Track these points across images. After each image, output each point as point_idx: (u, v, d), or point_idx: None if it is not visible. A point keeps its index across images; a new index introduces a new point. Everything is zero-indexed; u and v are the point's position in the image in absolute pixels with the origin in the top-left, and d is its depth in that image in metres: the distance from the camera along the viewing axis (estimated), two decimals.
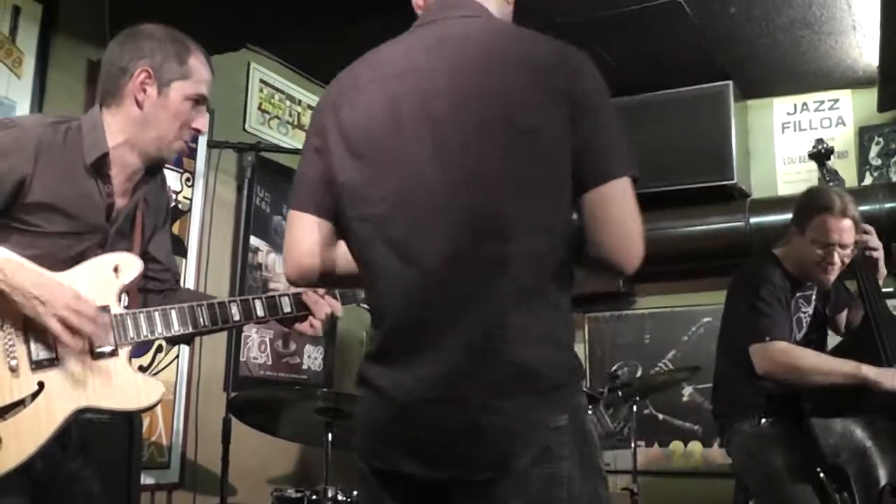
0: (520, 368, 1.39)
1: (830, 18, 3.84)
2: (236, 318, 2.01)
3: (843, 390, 2.79)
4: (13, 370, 1.76)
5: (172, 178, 3.61)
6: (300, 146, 1.83)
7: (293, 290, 2.02)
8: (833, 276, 2.96)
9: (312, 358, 4.38)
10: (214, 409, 3.15)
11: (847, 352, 2.95)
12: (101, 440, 2.39)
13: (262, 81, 4.25)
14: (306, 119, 4.39)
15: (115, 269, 1.90)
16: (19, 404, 1.76)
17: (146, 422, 3.37)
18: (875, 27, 3.78)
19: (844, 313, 3.27)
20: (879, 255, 3.06)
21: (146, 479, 3.35)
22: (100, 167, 1.90)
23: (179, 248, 3.60)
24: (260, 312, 2.03)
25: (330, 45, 3.12)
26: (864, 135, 4.54)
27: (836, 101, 4.63)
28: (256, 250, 4.09)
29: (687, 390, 4.59)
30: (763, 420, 2.93)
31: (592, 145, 1.43)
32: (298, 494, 3.07)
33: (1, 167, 1.79)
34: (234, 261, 3.93)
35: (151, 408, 1.99)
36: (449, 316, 1.42)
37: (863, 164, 4.50)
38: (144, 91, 1.92)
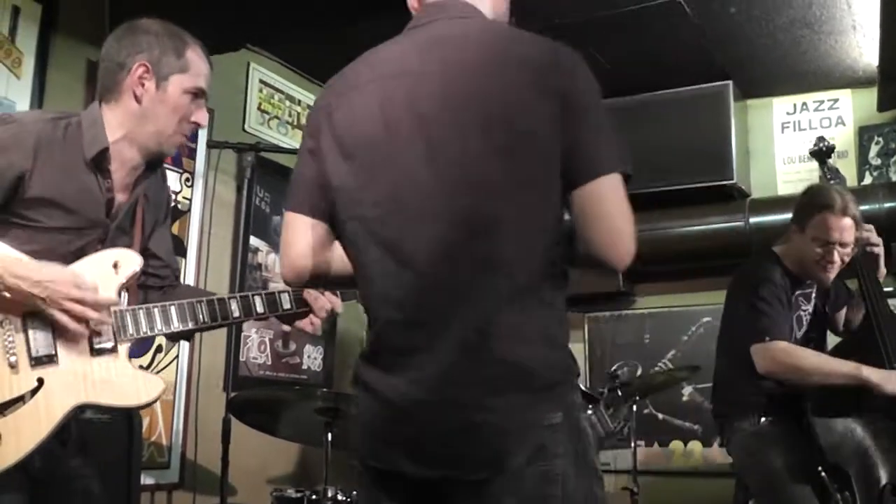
0: (513, 367, 1.40)
1: (830, 18, 3.85)
2: (236, 314, 2.02)
3: (844, 391, 2.78)
4: (12, 366, 1.76)
5: (172, 179, 3.60)
6: (300, 146, 1.84)
7: None
8: (833, 275, 2.96)
9: (312, 358, 4.38)
10: (214, 409, 3.15)
11: (848, 351, 2.94)
12: (101, 440, 2.38)
13: (261, 81, 4.25)
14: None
15: (115, 265, 1.89)
16: (19, 401, 1.76)
17: (146, 422, 3.37)
18: (875, 27, 3.78)
19: (843, 312, 3.27)
20: (880, 251, 3.05)
21: (146, 479, 3.34)
22: (100, 162, 1.90)
23: (179, 248, 3.60)
24: (259, 309, 2.04)
25: (330, 45, 3.11)
26: (864, 134, 4.54)
27: (836, 100, 4.63)
28: (256, 250, 4.09)
29: (687, 390, 4.59)
30: (763, 419, 2.93)
31: (582, 143, 1.43)
32: (298, 494, 3.07)
33: (0, 163, 1.79)
34: (234, 261, 3.93)
35: (151, 403, 1.99)
36: (442, 316, 1.42)
37: (862, 163, 4.50)
38: (143, 85, 1.93)
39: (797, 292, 3.02)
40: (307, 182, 1.59)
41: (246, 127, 4.13)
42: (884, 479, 2.78)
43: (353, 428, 1.55)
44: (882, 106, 4.38)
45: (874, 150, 4.49)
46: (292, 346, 4.26)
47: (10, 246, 1.79)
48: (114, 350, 1.86)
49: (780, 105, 4.76)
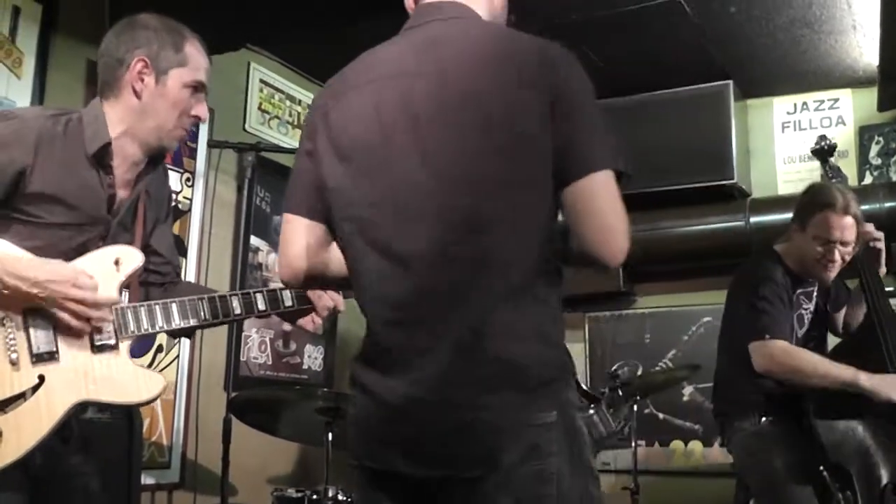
0: (507, 364, 1.40)
1: (830, 18, 3.85)
2: (237, 311, 2.01)
3: (845, 394, 2.78)
4: (14, 363, 1.76)
5: (173, 178, 3.59)
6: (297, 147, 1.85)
7: None
8: (833, 274, 2.96)
9: (313, 358, 4.38)
10: (215, 409, 3.14)
11: (849, 351, 2.94)
12: (102, 439, 2.37)
13: (262, 81, 4.25)
14: None
15: (116, 262, 1.89)
16: (20, 397, 1.76)
17: (146, 422, 3.36)
18: (875, 27, 3.78)
19: (842, 312, 3.26)
20: (882, 245, 3.04)
21: (146, 479, 3.34)
22: (101, 158, 1.90)
23: (180, 247, 3.60)
24: (261, 306, 2.04)
25: (330, 45, 3.11)
26: (864, 134, 4.54)
27: (836, 100, 4.63)
28: (257, 250, 4.09)
29: (687, 390, 4.59)
30: (763, 419, 2.93)
31: (575, 141, 1.43)
32: (299, 494, 3.06)
33: (1, 158, 1.79)
34: (235, 261, 3.93)
35: (153, 400, 1.99)
36: (437, 316, 1.42)
37: (863, 163, 4.50)
38: (142, 81, 1.93)
39: (799, 291, 3.02)
40: (304, 183, 1.60)
41: (246, 127, 4.13)
42: (885, 479, 2.78)
43: (350, 429, 1.55)
44: (882, 106, 4.38)
45: (874, 149, 4.50)
46: (293, 346, 4.25)
47: (12, 242, 1.79)
48: (115, 347, 1.86)
49: (781, 105, 4.76)
